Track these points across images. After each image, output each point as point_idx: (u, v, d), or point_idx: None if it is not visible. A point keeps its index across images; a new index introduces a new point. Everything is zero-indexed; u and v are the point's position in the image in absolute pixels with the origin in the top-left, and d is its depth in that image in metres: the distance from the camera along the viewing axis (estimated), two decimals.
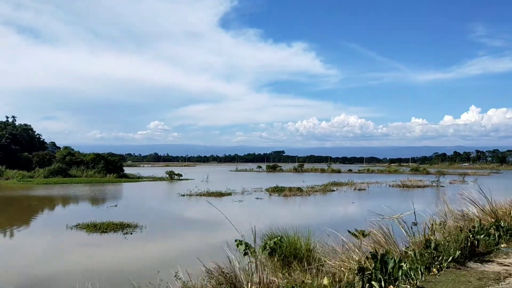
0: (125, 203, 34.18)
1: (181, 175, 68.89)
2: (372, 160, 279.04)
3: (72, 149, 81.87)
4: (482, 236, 7.64)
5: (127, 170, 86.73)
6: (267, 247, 6.96)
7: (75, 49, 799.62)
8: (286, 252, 10.35)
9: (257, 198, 37.21)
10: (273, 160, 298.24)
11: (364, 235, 8.63)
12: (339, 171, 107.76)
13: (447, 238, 7.09)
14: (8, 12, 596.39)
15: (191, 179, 66.25)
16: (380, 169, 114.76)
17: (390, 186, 55.20)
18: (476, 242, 7.27)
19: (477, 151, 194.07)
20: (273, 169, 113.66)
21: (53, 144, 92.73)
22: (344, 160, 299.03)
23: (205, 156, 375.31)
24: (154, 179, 68.49)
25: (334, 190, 46.87)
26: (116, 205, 31.49)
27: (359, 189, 48.99)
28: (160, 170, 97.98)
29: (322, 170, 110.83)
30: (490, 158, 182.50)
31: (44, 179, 58.43)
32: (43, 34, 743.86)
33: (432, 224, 7.27)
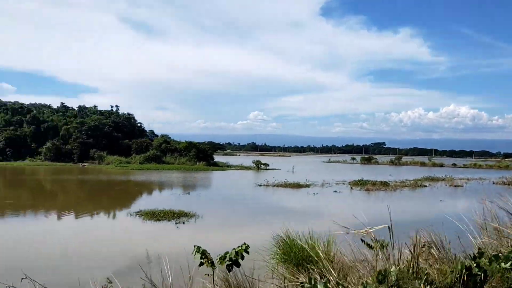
0: (201, 191, 34.39)
1: (268, 165, 68.53)
2: (484, 154, 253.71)
3: (169, 137, 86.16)
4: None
5: (223, 159, 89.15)
6: (227, 258, 5.48)
7: (183, 42, 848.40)
8: (294, 260, 8.74)
9: (335, 192, 35.00)
10: (373, 152, 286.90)
11: (382, 246, 6.70)
12: (441, 165, 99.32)
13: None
14: (123, 7, 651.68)
15: (277, 169, 65.59)
16: (490, 164, 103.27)
17: (494, 183, 48.85)
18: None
19: None
20: (367, 161, 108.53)
21: (152, 132, 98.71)
22: (452, 154, 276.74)
23: (302, 147, 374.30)
24: (242, 168, 69.13)
25: (425, 186, 42.65)
26: (188, 193, 31.71)
27: (456, 186, 44.00)
28: (251, 159, 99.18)
29: (422, 164, 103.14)
30: None
31: (139, 165, 62.02)
32: (154, 29, 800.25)
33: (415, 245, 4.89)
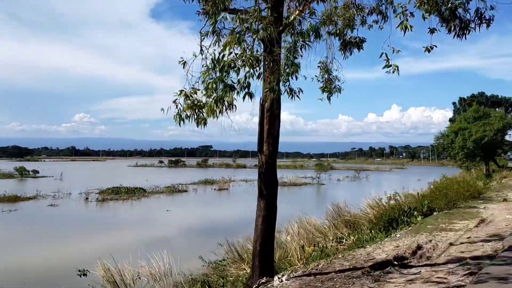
0: None
1: (37, 172, 58.76)
2: (297, 155, 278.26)
3: None
4: None
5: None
6: None
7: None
8: None
9: (50, 205, 28.85)
10: (200, 154, 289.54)
11: None
12: (244, 166, 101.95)
13: None
14: None
15: (49, 176, 56.55)
16: (287, 164, 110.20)
17: None
18: None
19: (391, 147, 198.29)
20: (175, 164, 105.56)
21: None
22: None
23: (128, 150, 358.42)
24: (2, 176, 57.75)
25: (186, 191, 39.67)
26: None
27: (221, 189, 42.28)
28: (54, 165, 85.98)
29: (227, 165, 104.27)
30: (404, 154, 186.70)
31: None
32: None
33: None
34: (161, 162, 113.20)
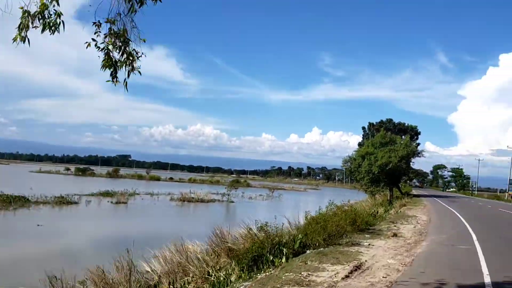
0: None
1: None
2: (217, 170, 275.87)
3: None
4: None
5: None
6: None
7: None
8: None
9: None
10: (117, 164, 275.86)
11: None
12: (158, 179, 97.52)
13: None
14: None
15: None
16: (203, 179, 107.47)
17: (172, 199, 46.15)
18: None
19: (308, 168, 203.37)
20: (82, 172, 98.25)
21: None
22: (192, 169, 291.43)
23: (38, 155, 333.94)
24: None
25: (77, 203, 35.68)
26: None
27: (119, 202, 38.66)
28: None
29: (140, 177, 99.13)
30: (321, 175, 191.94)
31: None
32: None
33: None
34: (68, 169, 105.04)
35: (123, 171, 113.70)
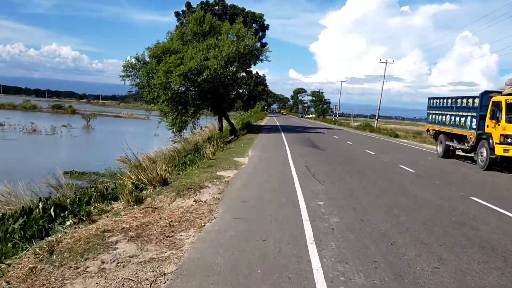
0: None
1: None
2: (71, 95, 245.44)
3: None
4: None
5: None
6: None
7: None
8: None
9: None
10: None
11: None
12: None
13: None
14: None
15: None
16: (16, 104, 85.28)
17: None
18: None
19: None
20: None
21: None
22: (45, 94, 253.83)
23: None
24: None
25: None
26: None
27: None
28: None
29: None
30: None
31: None
32: None
33: None
34: None
35: None
